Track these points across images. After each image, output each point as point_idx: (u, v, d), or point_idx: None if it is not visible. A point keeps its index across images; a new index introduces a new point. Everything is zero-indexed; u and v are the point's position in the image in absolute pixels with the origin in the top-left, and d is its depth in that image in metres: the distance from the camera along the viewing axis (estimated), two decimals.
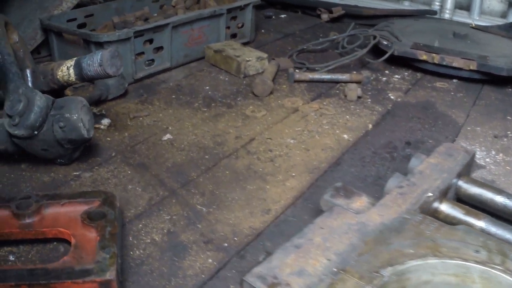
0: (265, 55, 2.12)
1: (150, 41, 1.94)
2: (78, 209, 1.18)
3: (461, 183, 1.33)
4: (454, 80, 2.24)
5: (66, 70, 1.43)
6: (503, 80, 2.19)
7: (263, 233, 1.22)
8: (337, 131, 1.71)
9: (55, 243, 1.16)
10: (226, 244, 1.17)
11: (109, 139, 1.56)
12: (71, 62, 1.43)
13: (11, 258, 1.11)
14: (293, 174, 1.46)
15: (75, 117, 1.29)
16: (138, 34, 1.87)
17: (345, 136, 1.69)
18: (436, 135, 1.75)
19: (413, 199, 1.17)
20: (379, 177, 1.48)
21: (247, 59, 2.06)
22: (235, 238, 1.19)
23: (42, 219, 1.16)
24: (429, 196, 1.20)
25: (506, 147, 1.66)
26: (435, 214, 1.22)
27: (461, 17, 3.07)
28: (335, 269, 0.92)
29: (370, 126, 1.78)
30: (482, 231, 1.16)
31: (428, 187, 1.22)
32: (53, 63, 1.48)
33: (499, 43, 2.49)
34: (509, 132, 1.79)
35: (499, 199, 1.28)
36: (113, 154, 1.49)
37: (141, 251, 1.14)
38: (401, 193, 1.19)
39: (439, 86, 2.18)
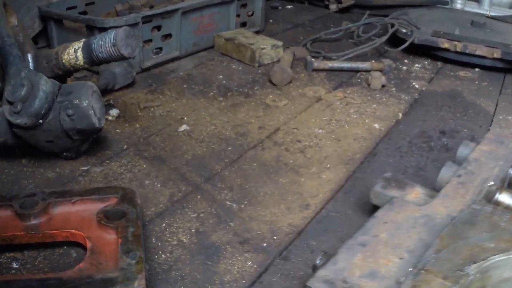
0: (280, 43, 1.98)
1: (158, 28, 1.79)
2: (92, 207, 1.02)
3: None
4: (476, 69, 2.13)
5: (73, 53, 1.27)
6: None
7: (305, 231, 1.07)
8: (367, 120, 1.57)
9: (65, 247, 1.00)
10: (265, 244, 1.02)
11: (118, 130, 1.40)
12: (78, 44, 1.27)
13: (15, 265, 0.95)
14: (328, 165, 1.31)
15: (85, 104, 1.13)
16: (146, 20, 1.71)
17: (376, 125, 1.55)
18: (469, 124, 1.62)
19: (476, 189, 1.03)
20: (419, 168, 1.34)
21: (262, 47, 1.91)
22: (275, 237, 1.04)
23: (50, 219, 1.00)
24: (491, 185, 1.06)
25: None
26: (495, 205, 1.08)
27: (472, 7, 2.98)
28: (411, 269, 0.78)
29: (400, 115, 1.64)
30: None
31: (488, 175, 1.09)
32: (57, 47, 1.32)
33: None
34: None
35: None
36: (125, 147, 1.33)
37: (168, 254, 0.98)
38: (461, 183, 1.05)
39: (462, 75, 2.07)
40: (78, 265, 0.88)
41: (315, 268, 0.83)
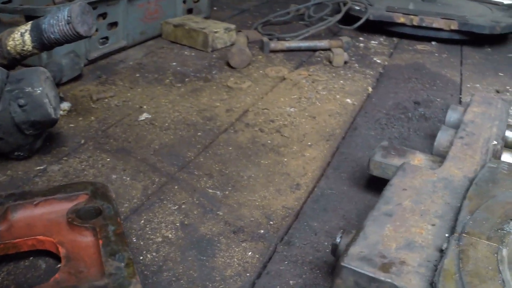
0: (233, 26, 1.86)
1: (104, 16, 1.63)
2: (59, 208, 0.88)
3: (508, 132, 1.14)
4: (433, 43, 2.10)
5: (19, 38, 1.10)
6: (479, 41, 2.08)
7: (302, 212, 0.96)
8: (337, 96, 1.48)
9: (31, 258, 0.84)
10: (262, 231, 0.91)
11: (72, 125, 1.25)
12: (25, 27, 1.10)
13: None
14: (309, 143, 1.21)
15: (38, 92, 0.98)
16: (91, 7, 1.54)
17: (348, 100, 1.46)
18: (440, 93, 1.57)
19: (483, 149, 0.96)
20: (404, 139, 1.27)
21: (215, 30, 1.79)
22: (271, 222, 0.93)
23: (11, 227, 0.84)
24: (495, 144, 0.99)
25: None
26: None
27: None
28: (447, 235, 0.68)
29: (370, 89, 1.56)
30: None
31: (488, 135, 1.02)
32: (0, 33, 1.15)
33: (468, 5, 2.38)
34: (508, 87, 1.67)
35: None
36: (83, 141, 1.18)
37: (154, 253, 0.85)
38: (466, 144, 0.97)
39: (421, 48, 2.04)
40: (54, 277, 0.73)
41: (335, 248, 0.72)
